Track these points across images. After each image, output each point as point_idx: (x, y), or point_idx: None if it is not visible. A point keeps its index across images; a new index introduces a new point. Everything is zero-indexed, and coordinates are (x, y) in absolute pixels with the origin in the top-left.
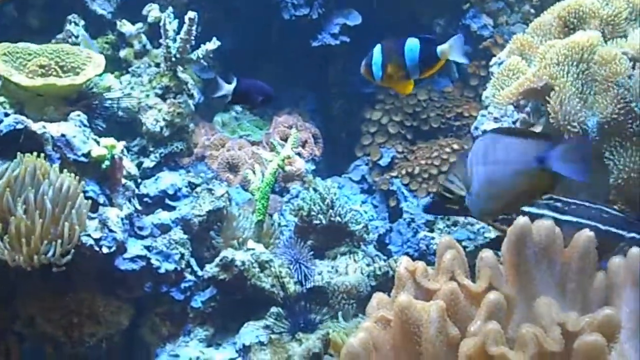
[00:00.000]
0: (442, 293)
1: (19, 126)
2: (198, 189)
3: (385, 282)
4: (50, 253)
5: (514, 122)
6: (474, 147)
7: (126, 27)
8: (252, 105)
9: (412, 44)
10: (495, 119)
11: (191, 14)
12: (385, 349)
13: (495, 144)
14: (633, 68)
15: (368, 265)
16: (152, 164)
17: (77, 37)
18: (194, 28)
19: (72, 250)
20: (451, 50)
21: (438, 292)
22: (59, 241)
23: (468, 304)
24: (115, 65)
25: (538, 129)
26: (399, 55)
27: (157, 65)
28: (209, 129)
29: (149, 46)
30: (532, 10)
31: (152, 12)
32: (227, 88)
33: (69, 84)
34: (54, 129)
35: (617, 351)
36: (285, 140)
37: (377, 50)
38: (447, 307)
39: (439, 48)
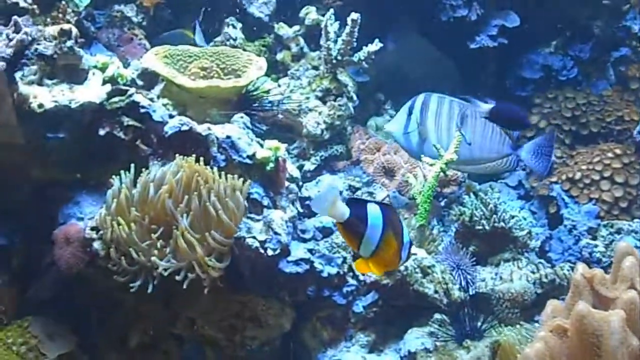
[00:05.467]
0: (621, 302)
1: (184, 128)
2: (358, 192)
3: (551, 291)
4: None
5: None
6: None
7: (283, 29)
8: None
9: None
10: None
11: (354, 16)
12: (561, 359)
13: (473, 115)
14: None
15: (533, 272)
16: (312, 167)
17: (235, 39)
18: (356, 30)
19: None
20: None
21: (617, 301)
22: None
23: None
24: (272, 68)
25: None
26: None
27: (315, 68)
28: (363, 132)
29: (306, 49)
30: None
31: (310, 14)
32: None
33: (232, 86)
34: (219, 131)
35: None
36: None
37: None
38: (627, 317)
39: None
